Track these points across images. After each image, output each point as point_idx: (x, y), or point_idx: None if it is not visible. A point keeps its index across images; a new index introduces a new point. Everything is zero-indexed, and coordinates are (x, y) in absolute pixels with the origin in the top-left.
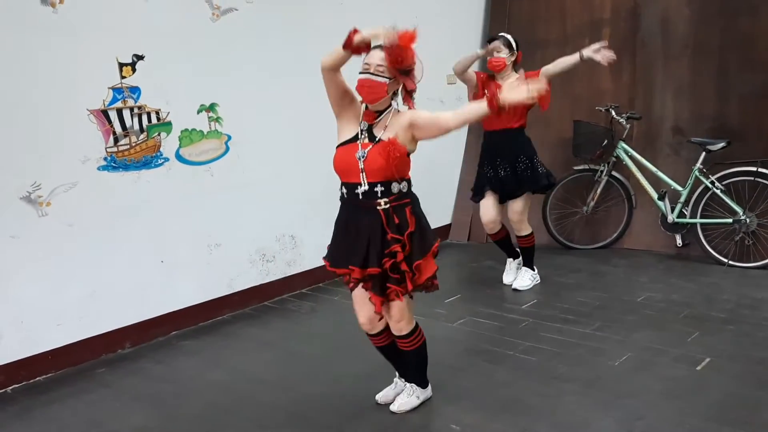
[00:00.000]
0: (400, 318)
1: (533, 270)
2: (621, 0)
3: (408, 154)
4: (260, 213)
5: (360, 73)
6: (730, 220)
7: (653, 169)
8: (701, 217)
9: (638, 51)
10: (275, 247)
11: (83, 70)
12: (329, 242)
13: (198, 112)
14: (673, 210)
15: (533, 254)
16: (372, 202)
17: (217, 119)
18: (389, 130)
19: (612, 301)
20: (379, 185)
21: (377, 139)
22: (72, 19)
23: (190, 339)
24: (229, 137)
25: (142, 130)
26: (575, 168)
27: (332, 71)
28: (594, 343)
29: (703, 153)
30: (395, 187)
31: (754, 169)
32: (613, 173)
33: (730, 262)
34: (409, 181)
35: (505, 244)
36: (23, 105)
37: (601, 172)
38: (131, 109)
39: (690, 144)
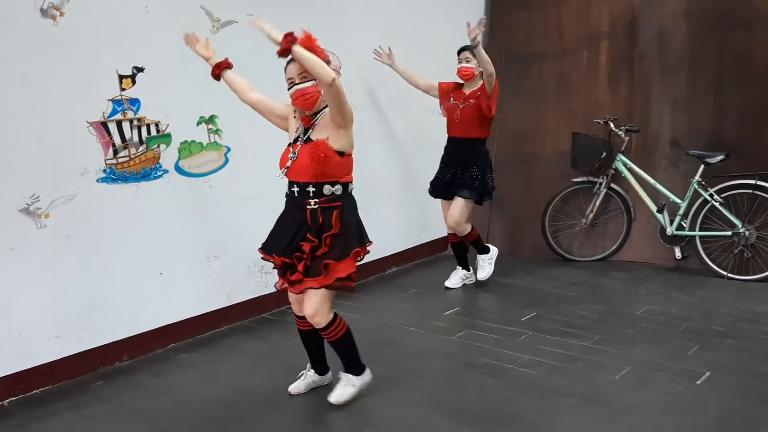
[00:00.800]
0: (313, 314)
1: (468, 270)
2: (618, 14)
3: (341, 153)
4: (259, 224)
5: (288, 89)
6: (729, 233)
7: (652, 181)
8: (700, 230)
9: (636, 64)
10: None
11: (83, 82)
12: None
13: (197, 124)
14: (671, 222)
15: (465, 251)
16: (304, 201)
17: (217, 131)
18: (319, 130)
19: (611, 314)
20: (311, 186)
21: (307, 138)
22: (72, 31)
23: (188, 352)
24: (229, 149)
25: (141, 142)
26: (574, 180)
27: (252, 101)
28: (593, 357)
29: (702, 166)
30: (327, 189)
31: (752, 182)
32: (612, 185)
33: (729, 275)
34: (345, 185)
35: (460, 247)
36: (23, 117)
37: (600, 184)
38: (131, 121)
39: (688, 157)
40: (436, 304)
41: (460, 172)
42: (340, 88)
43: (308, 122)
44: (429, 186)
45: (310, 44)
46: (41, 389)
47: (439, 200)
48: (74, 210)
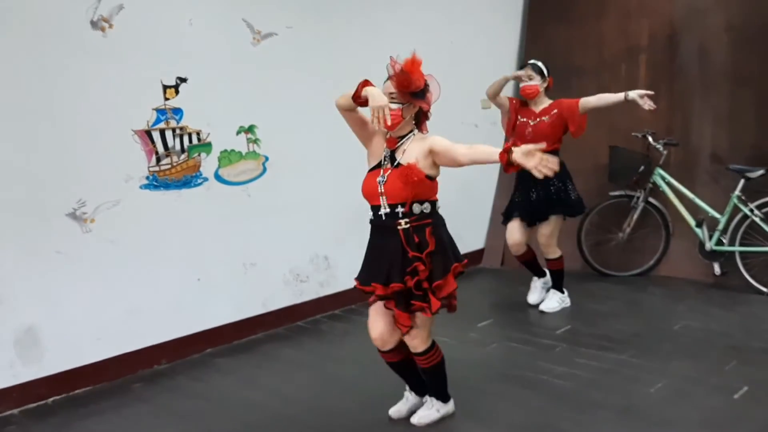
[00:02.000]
0: (415, 336)
1: (563, 293)
2: (658, 27)
3: (431, 178)
4: (295, 233)
5: None
6: None
7: (691, 195)
8: (740, 245)
9: (676, 78)
10: (309, 268)
11: (129, 92)
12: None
13: (237, 134)
14: (711, 237)
15: (562, 277)
16: (393, 222)
17: (256, 141)
18: (408, 154)
19: (648, 329)
20: (399, 206)
21: (397, 163)
22: (120, 43)
23: (225, 357)
24: (267, 158)
25: (183, 150)
26: (611, 194)
27: (346, 111)
28: (629, 371)
29: (742, 180)
30: (417, 209)
31: None
32: (650, 200)
33: None
34: (433, 203)
35: (530, 264)
36: (71, 124)
37: (638, 198)
38: (173, 130)
39: (728, 171)
40: (470, 316)
41: (542, 190)
42: None
43: (393, 144)
44: (503, 216)
45: (411, 68)
46: (84, 389)
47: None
48: (118, 215)
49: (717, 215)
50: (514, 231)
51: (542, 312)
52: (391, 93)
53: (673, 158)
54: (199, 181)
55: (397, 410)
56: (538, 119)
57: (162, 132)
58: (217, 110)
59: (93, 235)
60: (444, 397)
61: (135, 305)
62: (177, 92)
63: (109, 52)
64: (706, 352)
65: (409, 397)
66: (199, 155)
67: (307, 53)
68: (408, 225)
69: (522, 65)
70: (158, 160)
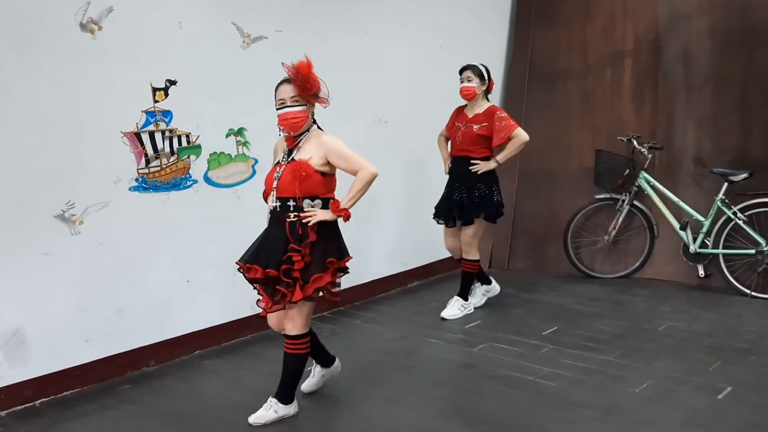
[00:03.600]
0: (290, 319)
1: (466, 300)
2: (643, 32)
3: (324, 174)
4: None
5: (278, 109)
6: (753, 251)
7: (675, 198)
8: (723, 248)
9: (660, 82)
10: None
11: (119, 94)
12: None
13: (226, 136)
14: (695, 240)
15: (471, 283)
16: (284, 215)
17: (245, 143)
18: (303, 151)
19: (633, 330)
20: (291, 200)
21: (291, 158)
22: (110, 45)
23: (213, 359)
24: (256, 161)
25: (172, 152)
26: (597, 197)
27: None
28: (614, 371)
29: (726, 184)
30: (306, 204)
31: None
32: (635, 203)
33: (753, 293)
34: (325, 201)
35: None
36: (60, 126)
37: (623, 201)
38: (163, 132)
39: (712, 175)
40: (458, 318)
41: (465, 193)
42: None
43: (292, 143)
44: (434, 211)
45: (308, 71)
46: (71, 391)
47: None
48: (107, 217)
49: (701, 218)
50: (447, 236)
51: (443, 319)
52: (292, 97)
53: (657, 162)
54: (189, 183)
55: (307, 384)
56: (467, 125)
57: (151, 134)
58: (207, 113)
59: (82, 236)
60: (287, 399)
61: (123, 307)
62: (166, 95)
63: (98, 55)
64: (690, 352)
65: (316, 371)
66: (188, 157)
67: (296, 56)
68: (296, 218)
69: (461, 69)
70: (147, 162)
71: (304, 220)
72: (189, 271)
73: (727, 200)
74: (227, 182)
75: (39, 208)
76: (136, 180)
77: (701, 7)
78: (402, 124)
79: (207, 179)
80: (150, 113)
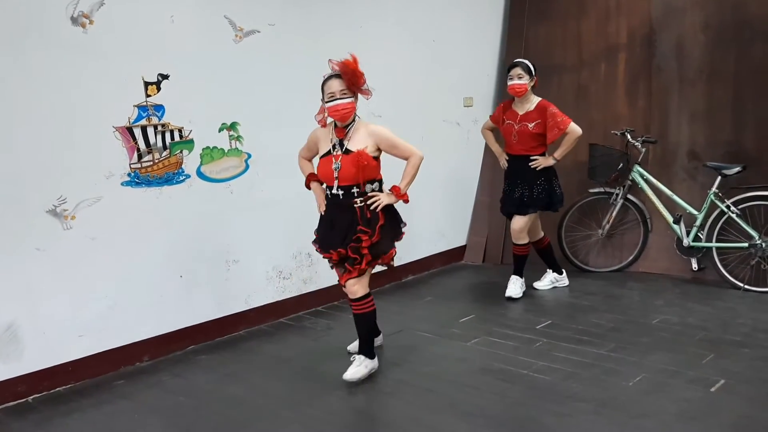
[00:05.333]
0: (355, 282)
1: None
2: (637, 26)
3: (376, 158)
4: (277, 230)
5: (327, 102)
6: (746, 245)
7: (669, 192)
8: (717, 242)
9: (654, 76)
10: (292, 265)
11: (110, 88)
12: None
13: (219, 131)
14: (688, 234)
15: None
16: (349, 201)
17: (238, 138)
18: (356, 141)
19: (627, 324)
20: (354, 187)
21: (346, 149)
22: (101, 39)
23: (207, 354)
24: (249, 155)
25: (165, 147)
26: (591, 191)
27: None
28: (608, 364)
29: (719, 177)
30: (368, 188)
31: None
32: (629, 196)
33: (746, 287)
34: (380, 182)
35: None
36: (52, 121)
37: (617, 195)
38: (155, 127)
39: (705, 168)
40: (452, 312)
41: (527, 189)
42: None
43: (342, 134)
44: (500, 204)
45: (355, 66)
46: (65, 387)
47: (455, 219)
48: (99, 212)
49: (694, 212)
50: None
51: (509, 298)
52: (341, 90)
53: (651, 155)
54: (181, 178)
55: (354, 345)
56: (521, 123)
57: (144, 129)
58: (199, 107)
59: (74, 231)
60: (371, 354)
61: (117, 302)
62: (158, 89)
63: (89, 49)
64: (683, 345)
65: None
66: (181, 152)
67: (289, 50)
68: (362, 204)
69: (511, 65)
70: (140, 156)
71: (372, 207)
72: (182, 266)
73: (720, 194)
74: (220, 177)
75: (31, 203)
76: (129, 175)
77: (695, 1)
78: (395, 118)
79: (200, 174)
80: (142, 108)
